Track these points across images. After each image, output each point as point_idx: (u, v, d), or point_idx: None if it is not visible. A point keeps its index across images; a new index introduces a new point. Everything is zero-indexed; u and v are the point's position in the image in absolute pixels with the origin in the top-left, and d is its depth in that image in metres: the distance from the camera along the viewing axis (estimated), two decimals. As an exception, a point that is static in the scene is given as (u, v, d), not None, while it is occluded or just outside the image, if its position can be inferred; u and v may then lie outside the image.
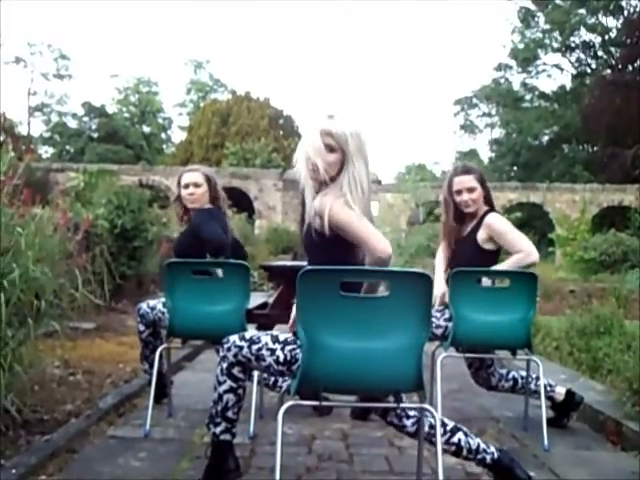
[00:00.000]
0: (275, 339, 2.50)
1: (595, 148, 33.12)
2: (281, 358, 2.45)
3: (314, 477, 2.93)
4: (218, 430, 2.60)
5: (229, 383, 2.56)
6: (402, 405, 2.41)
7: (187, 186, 4.00)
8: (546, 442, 3.41)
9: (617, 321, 5.75)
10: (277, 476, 2.25)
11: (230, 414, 2.59)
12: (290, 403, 2.35)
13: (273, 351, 2.47)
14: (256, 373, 3.58)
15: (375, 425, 3.75)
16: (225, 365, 2.55)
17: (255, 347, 2.49)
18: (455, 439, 2.61)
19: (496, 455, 2.63)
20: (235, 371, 2.55)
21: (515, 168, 38.13)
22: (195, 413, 3.91)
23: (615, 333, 5.53)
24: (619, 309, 6.20)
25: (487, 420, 4.00)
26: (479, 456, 2.63)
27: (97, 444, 3.29)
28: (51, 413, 3.45)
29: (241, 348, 2.51)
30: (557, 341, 5.92)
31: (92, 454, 3.13)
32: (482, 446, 2.64)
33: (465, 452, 2.62)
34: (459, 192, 3.77)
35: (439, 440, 2.39)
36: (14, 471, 2.65)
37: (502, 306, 3.57)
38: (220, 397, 2.58)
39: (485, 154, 44.62)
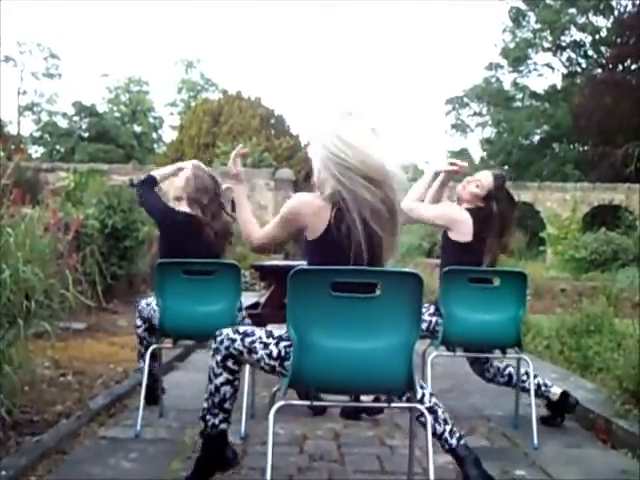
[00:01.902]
0: (269, 334, 2.50)
1: (586, 147, 33.22)
2: (274, 353, 2.45)
3: (305, 477, 2.93)
4: (217, 420, 2.62)
5: (225, 375, 2.57)
6: (393, 405, 2.41)
7: None
8: (535, 441, 3.42)
9: (607, 320, 5.77)
10: (268, 476, 2.25)
11: (227, 405, 2.62)
12: (281, 403, 2.35)
13: (267, 345, 2.47)
14: (247, 373, 3.58)
15: (367, 425, 3.76)
16: (219, 358, 2.56)
17: (248, 340, 2.51)
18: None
19: (455, 444, 2.69)
20: (229, 364, 2.56)
21: (506, 167, 38.18)
22: (186, 413, 3.90)
23: (605, 332, 5.54)
24: (609, 308, 6.21)
25: (478, 419, 4.01)
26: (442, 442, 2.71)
27: (88, 445, 3.27)
28: (41, 414, 3.43)
29: (234, 341, 2.52)
30: (548, 340, 5.94)
31: (82, 455, 3.12)
32: (445, 435, 2.70)
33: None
34: (469, 181, 3.90)
35: (429, 440, 2.39)
36: (3, 473, 2.63)
37: (492, 305, 3.59)
38: (217, 389, 2.59)
39: (477, 153, 44.68)
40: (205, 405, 2.63)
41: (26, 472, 2.76)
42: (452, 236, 3.82)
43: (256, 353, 2.49)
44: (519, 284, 3.60)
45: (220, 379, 2.58)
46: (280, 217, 2.57)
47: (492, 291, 3.66)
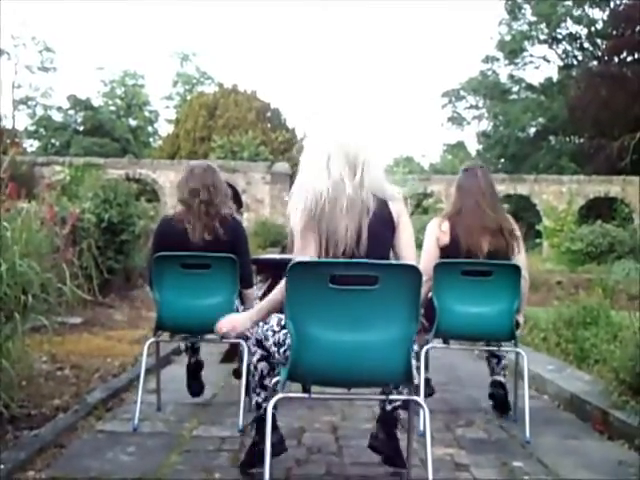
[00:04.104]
0: (279, 321, 2.61)
1: (581, 140, 33.23)
2: (279, 340, 2.56)
3: (304, 469, 2.94)
4: (260, 399, 2.73)
5: (260, 352, 2.70)
6: (391, 397, 2.42)
7: None
8: (528, 434, 3.41)
9: (604, 312, 5.78)
10: (267, 469, 2.26)
11: (266, 382, 2.70)
12: (279, 396, 2.35)
13: (274, 332, 2.60)
14: (244, 367, 3.58)
15: (364, 417, 3.77)
16: (253, 340, 2.73)
17: (265, 327, 2.65)
18: None
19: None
20: (262, 343, 2.68)
21: (502, 160, 38.21)
22: (184, 407, 3.91)
23: (602, 324, 5.55)
24: (606, 300, 6.23)
25: (475, 411, 4.02)
26: None
27: (85, 439, 3.27)
28: (39, 408, 3.43)
29: (260, 327, 2.67)
30: (544, 332, 5.95)
31: (80, 449, 3.12)
32: None
33: None
34: None
35: (428, 431, 2.40)
36: (2, 467, 2.64)
37: (485, 297, 3.57)
38: (255, 367, 2.73)
39: (473, 146, 44.70)
40: (252, 386, 2.77)
41: (24, 466, 2.76)
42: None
43: (268, 340, 2.62)
44: (512, 276, 3.59)
45: (256, 356, 2.72)
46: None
47: (485, 283, 3.61)
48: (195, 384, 4.05)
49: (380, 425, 2.84)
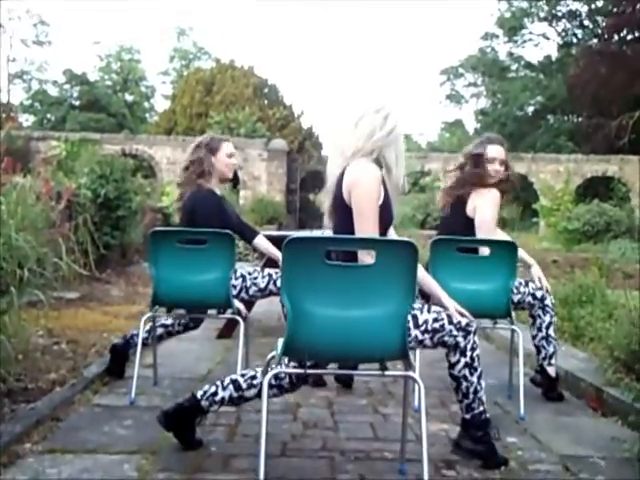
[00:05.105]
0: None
1: (580, 118, 33.14)
2: None
3: (299, 444, 2.96)
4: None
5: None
6: (387, 373, 2.42)
7: (231, 156, 4.03)
8: (522, 411, 3.43)
9: (599, 290, 5.80)
10: (262, 444, 2.27)
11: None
12: (275, 371, 2.36)
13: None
14: (241, 344, 3.59)
15: (360, 393, 3.79)
16: None
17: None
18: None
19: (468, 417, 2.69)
20: None
21: (500, 139, 38.14)
22: (180, 382, 3.92)
23: (597, 302, 5.58)
24: (601, 279, 6.25)
25: (470, 388, 4.03)
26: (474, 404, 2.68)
27: (82, 412, 3.29)
28: (35, 382, 3.44)
29: None
30: (540, 310, 5.97)
31: (77, 422, 3.13)
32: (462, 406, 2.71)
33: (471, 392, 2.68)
34: (493, 160, 3.89)
35: (423, 407, 2.41)
36: (-1, 439, 2.65)
37: (482, 275, 3.57)
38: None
39: (471, 124, 44.58)
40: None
41: (21, 438, 2.77)
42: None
43: None
44: (509, 253, 3.58)
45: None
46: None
47: (481, 261, 3.61)
48: None
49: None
